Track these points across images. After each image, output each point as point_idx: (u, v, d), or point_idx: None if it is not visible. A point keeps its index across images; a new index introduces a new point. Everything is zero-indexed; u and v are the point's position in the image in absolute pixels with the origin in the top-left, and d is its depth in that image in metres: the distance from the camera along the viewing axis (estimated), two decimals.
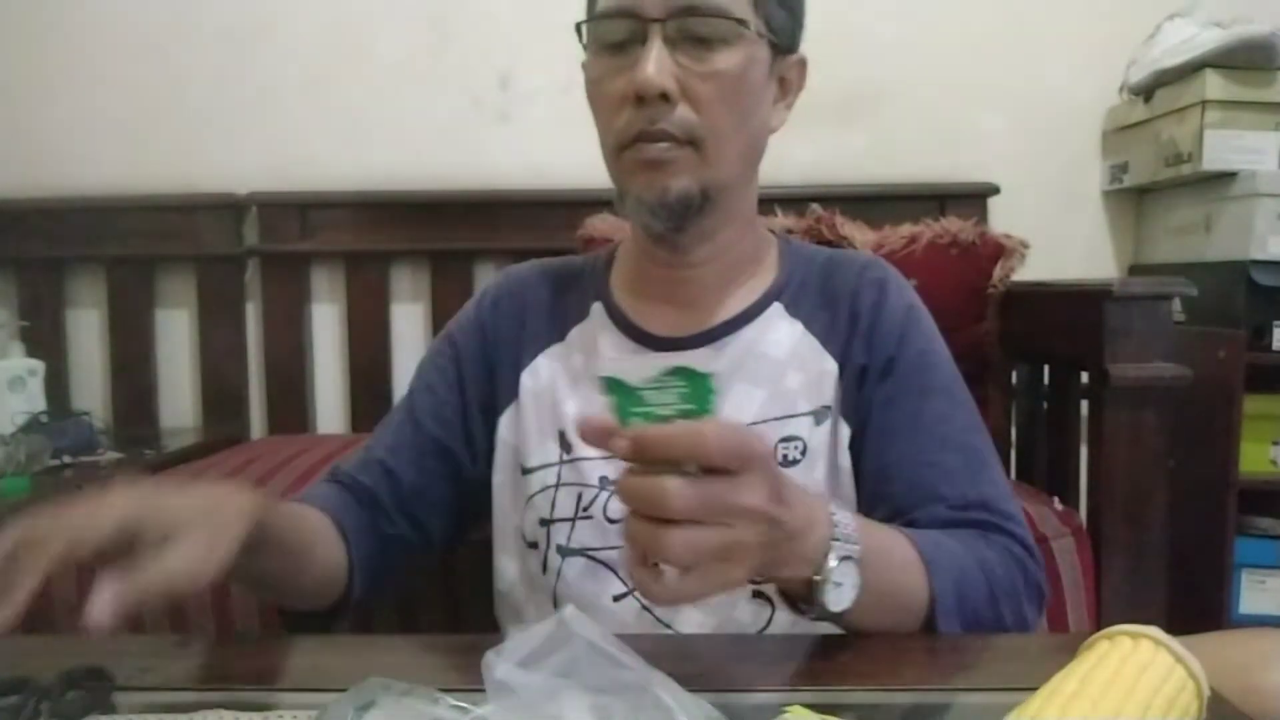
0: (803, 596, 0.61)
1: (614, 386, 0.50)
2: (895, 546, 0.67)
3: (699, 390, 0.50)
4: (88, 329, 1.99)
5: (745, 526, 0.52)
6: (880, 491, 0.77)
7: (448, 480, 0.86)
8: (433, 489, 0.86)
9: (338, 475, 0.86)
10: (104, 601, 0.51)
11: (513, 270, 0.93)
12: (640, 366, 0.51)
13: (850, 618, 0.61)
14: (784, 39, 0.79)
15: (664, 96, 0.72)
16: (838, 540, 0.59)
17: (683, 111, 0.73)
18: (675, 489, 0.49)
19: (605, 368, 0.80)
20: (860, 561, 0.60)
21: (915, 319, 0.83)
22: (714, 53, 0.73)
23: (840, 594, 0.59)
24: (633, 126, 0.74)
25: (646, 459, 0.50)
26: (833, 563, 0.59)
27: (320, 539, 0.76)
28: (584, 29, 0.77)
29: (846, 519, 0.61)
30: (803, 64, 0.83)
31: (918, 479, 0.75)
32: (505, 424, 0.86)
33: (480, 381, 0.87)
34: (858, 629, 0.64)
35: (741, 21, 0.74)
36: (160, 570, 0.53)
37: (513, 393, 0.86)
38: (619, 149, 0.76)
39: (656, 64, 0.71)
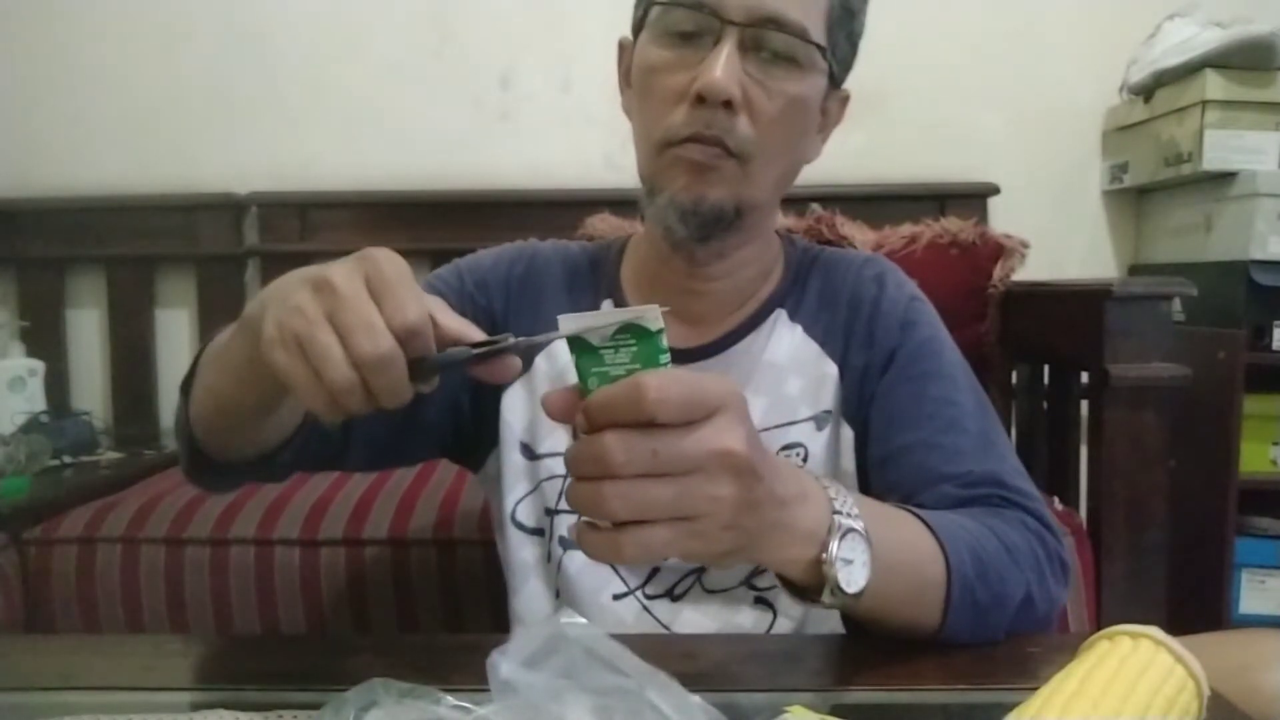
0: (810, 584, 0.55)
1: (577, 345, 0.47)
2: (901, 519, 0.63)
3: (648, 349, 0.47)
4: (88, 329, 1.99)
5: (710, 477, 0.46)
6: (887, 479, 0.75)
7: (404, 409, 0.81)
8: (386, 412, 0.81)
9: None
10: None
11: (535, 247, 0.89)
12: (601, 317, 0.47)
13: (867, 601, 0.55)
14: (840, 72, 0.78)
15: (728, 104, 0.69)
16: (838, 513, 0.54)
17: (742, 124, 0.71)
18: (612, 440, 0.45)
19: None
20: (867, 535, 0.55)
21: (916, 309, 0.81)
22: (784, 71, 0.71)
23: (852, 572, 0.54)
24: (688, 126, 0.71)
25: (597, 427, 0.46)
26: (837, 538, 0.53)
27: None
28: (650, 9, 0.74)
29: (842, 491, 0.56)
30: (845, 100, 0.82)
31: (924, 462, 0.73)
32: (512, 401, 0.82)
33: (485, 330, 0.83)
34: (877, 618, 0.60)
35: (820, 48, 0.72)
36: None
37: (524, 370, 0.83)
38: (665, 144, 0.72)
39: (726, 69, 0.69)
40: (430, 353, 0.48)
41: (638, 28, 0.77)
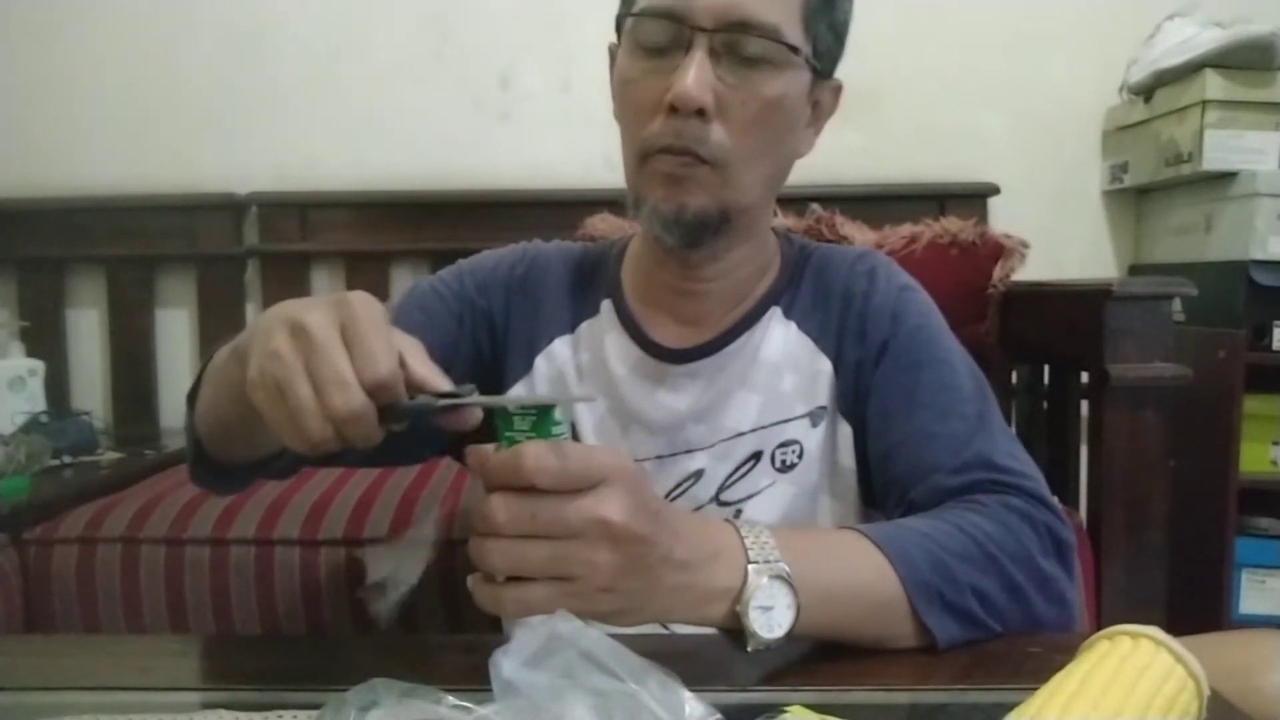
0: (738, 630, 0.57)
1: (497, 410, 0.52)
2: (840, 544, 0.63)
3: (543, 421, 0.50)
4: (88, 329, 1.99)
5: (587, 543, 0.50)
6: (887, 474, 0.74)
7: None
8: None
9: None
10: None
11: (537, 248, 0.89)
12: (529, 397, 0.52)
13: (810, 634, 0.58)
14: (826, 64, 0.77)
15: (701, 112, 0.69)
16: (754, 563, 0.56)
17: (716, 132, 0.70)
18: (497, 500, 0.50)
19: (617, 377, 0.80)
20: (791, 576, 0.57)
21: (908, 299, 0.81)
22: (758, 74, 0.70)
23: (771, 618, 0.56)
24: (661, 137, 0.70)
25: (493, 488, 0.51)
26: (753, 590, 0.56)
27: None
28: (625, 21, 0.74)
29: (762, 536, 0.58)
30: (838, 90, 0.81)
31: (918, 454, 0.72)
32: None
33: (483, 340, 0.84)
34: (849, 643, 0.61)
35: (793, 48, 0.71)
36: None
37: (524, 370, 0.83)
38: (642, 156, 0.72)
39: (697, 78, 0.68)
40: (401, 399, 0.51)
41: (619, 35, 0.77)
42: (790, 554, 0.58)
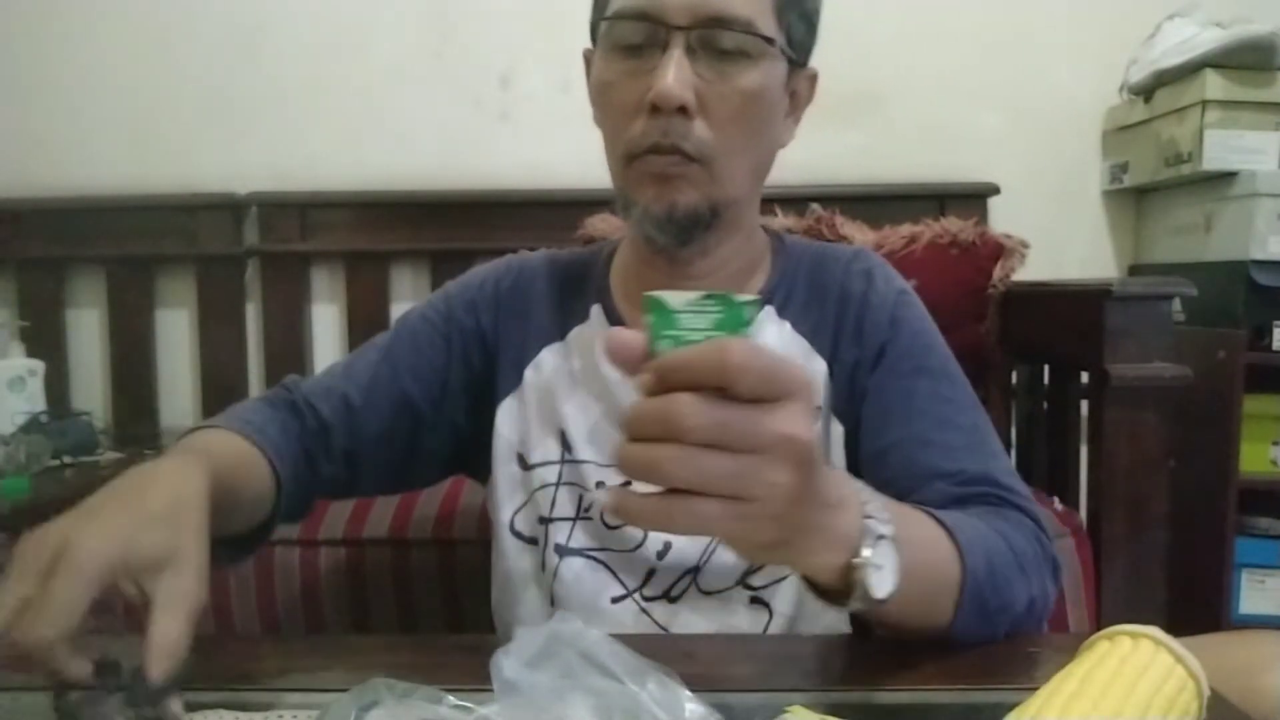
0: (835, 588, 0.54)
1: (652, 305, 0.45)
2: (921, 521, 0.62)
3: (733, 316, 0.44)
4: (88, 329, 1.99)
5: (772, 461, 0.44)
6: (879, 475, 0.74)
7: (404, 438, 0.83)
8: (387, 443, 0.83)
9: (294, 395, 0.81)
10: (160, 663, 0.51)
11: (524, 259, 0.90)
12: (684, 291, 0.45)
13: (888, 608, 0.55)
14: (800, 53, 0.78)
15: (682, 110, 0.70)
16: (871, 518, 0.53)
17: (699, 127, 0.71)
18: (688, 402, 0.42)
19: (612, 381, 0.79)
20: (896, 541, 0.54)
21: (905, 303, 0.81)
22: (735, 67, 0.71)
23: (882, 578, 0.53)
24: (646, 138, 0.71)
25: (667, 387, 0.43)
26: (870, 545, 0.52)
27: (252, 483, 0.72)
28: (600, 25, 0.75)
29: (875, 497, 0.55)
30: (814, 78, 0.81)
31: (917, 458, 0.73)
32: (505, 415, 0.84)
33: (475, 358, 0.85)
34: (893, 621, 0.59)
35: (768, 39, 0.72)
36: (169, 625, 0.53)
37: (514, 383, 0.84)
38: (628, 158, 0.73)
39: (677, 75, 0.69)
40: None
41: (594, 40, 0.78)
42: (894, 520, 0.55)
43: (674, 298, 0.45)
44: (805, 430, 0.45)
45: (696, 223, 0.74)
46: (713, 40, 0.70)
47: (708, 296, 0.45)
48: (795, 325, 0.81)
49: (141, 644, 0.51)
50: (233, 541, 0.72)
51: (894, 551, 0.54)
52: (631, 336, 0.45)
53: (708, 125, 0.71)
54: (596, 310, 0.84)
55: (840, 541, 0.52)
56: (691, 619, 0.77)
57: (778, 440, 0.44)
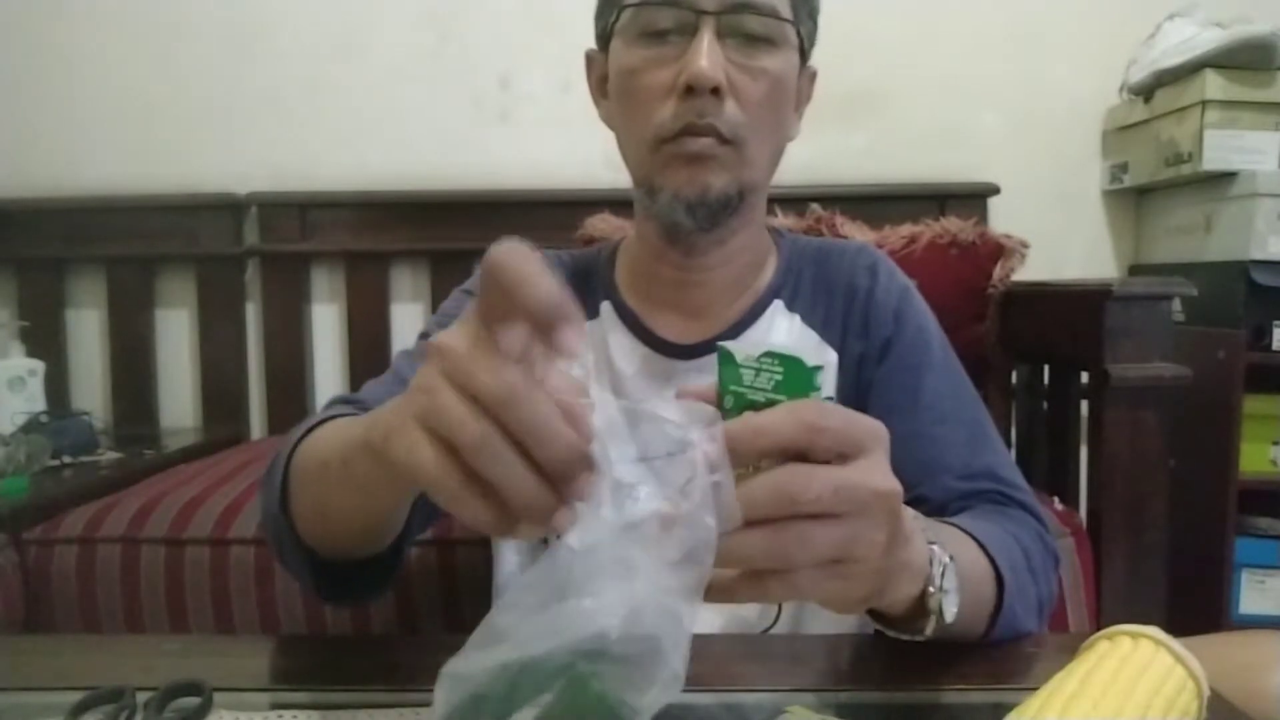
0: (906, 615, 0.54)
1: (723, 358, 0.45)
2: (962, 540, 0.62)
3: (797, 379, 0.43)
4: (88, 329, 1.99)
5: (876, 521, 0.43)
6: None
7: None
8: None
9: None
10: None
11: None
12: (757, 343, 0.44)
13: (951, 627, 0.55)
14: (808, 48, 0.79)
15: (715, 91, 0.70)
16: (933, 544, 0.52)
17: (731, 108, 0.72)
18: (804, 472, 0.41)
19: (624, 376, 0.79)
20: (956, 562, 0.54)
21: (908, 298, 0.82)
22: (762, 51, 0.73)
23: (950, 601, 0.53)
24: (679, 119, 0.71)
25: (743, 456, 0.41)
26: (939, 569, 0.52)
27: None
28: (618, 15, 0.75)
29: (920, 517, 0.54)
30: (814, 77, 0.83)
31: (920, 453, 0.74)
32: None
33: None
34: (945, 638, 0.57)
35: (791, 23, 0.74)
36: None
37: None
38: (658, 142, 0.73)
39: (711, 57, 0.70)
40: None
41: (605, 36, 0.78)
42: (939, 538, 0.55)
43: (740, 352, 0.44)
44: (894, 481, 0.44)
45: (725, 205, 0.74)
46: (740, 24, 0.72)
47: (769, 354, 0.44)
48: (805, 318, 0.82)
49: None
50: (373, 564, 0.66)
51: (955, 574, 0.54)
52: (703, 389, 0.45)
53: (738, 107, 0.72)
54: (606, 307, 0.84)
55: (917, 572, 0.51)
56: (700, 609, 0.77)
57: (875, 498, 0.43)
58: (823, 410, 0.42)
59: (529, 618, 0.38)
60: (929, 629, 0.53)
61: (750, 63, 0.72)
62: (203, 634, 1.21)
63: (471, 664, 0.38)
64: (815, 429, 0.42)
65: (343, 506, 0.58)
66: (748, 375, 0.44)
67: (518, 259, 0.38)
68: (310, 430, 0.64)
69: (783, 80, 0.74)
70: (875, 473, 0.43)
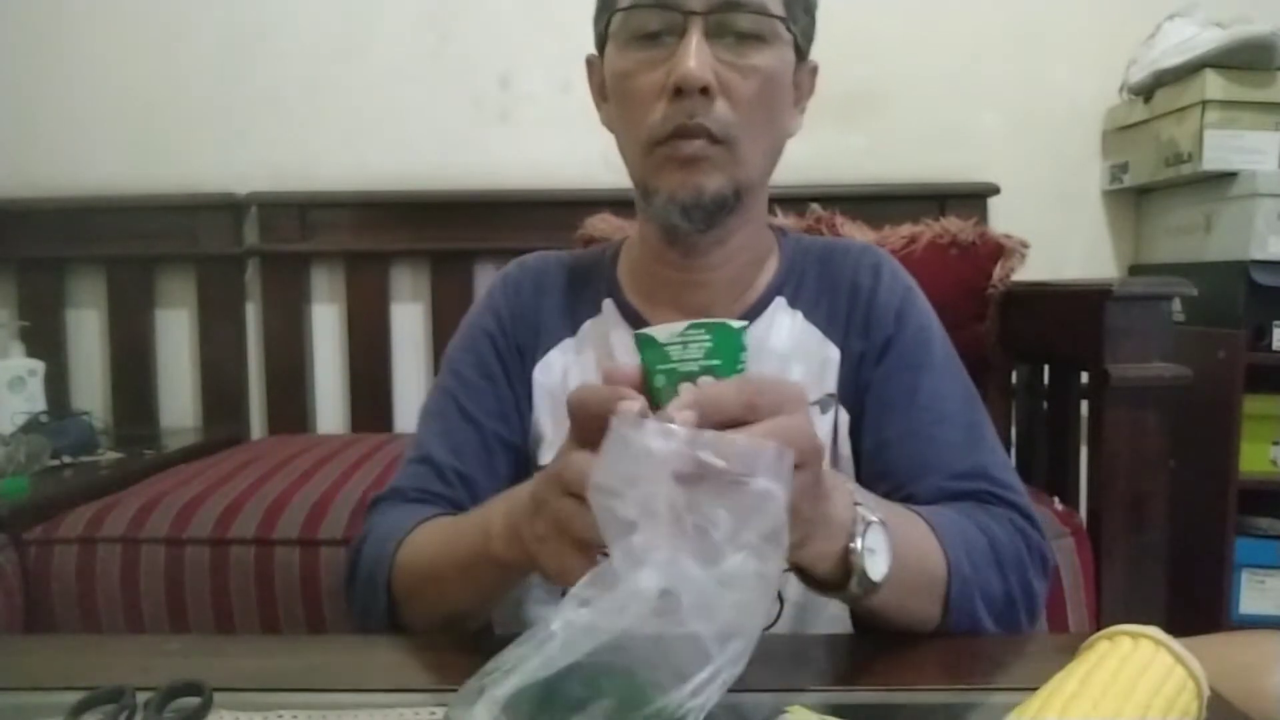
0: (832, 577, 0.56)
1: (644, 343, 0.48)
2: (905, 515, 0.65)
3: (726, 343, 0.47)
4: (88, 329, 1.99)
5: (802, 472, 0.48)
6: (878, 468, 0.76)
7: (511, 481, 0.81)
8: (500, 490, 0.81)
9: (420, 495, 0.80)
10: None
11: (528, 260, 0.90)
12: (670, 324, 0.49)
13: (884, 592, 0.57)
14: (804, 44, 0.79)
15: (704, 91, 0.70)
16: (860, 505, 0.56)
17: (721, 108, 0.71)
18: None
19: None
20: (886, 525, 0.57)
21: (911, 299, 0.83)
22: (752, 49, 0.72)
23: (876, 562, 0.56)
24: (670, 121, 0.72)
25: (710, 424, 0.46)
26: (861, 528, 0.55)
27: None
28: (610, 19, 0.75)
29: (858, 486, 0.59)
30: (814, 71, 0.82)
31: (915, 453, 0.74)
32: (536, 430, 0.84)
33: (517, 371, 0.85)
34: (889, 612, 0.61)
35: (782, 19, 0.73)
36: None
37: (525, 388, 0.84)
38: (651, 144, 0.73)
39: (698, 57, 0.70)
40: None
41: (602, 41, 0.79)
42: (879, 508, 0.58)
43: (661, 333, 0.48)
44: (816, 439, 0.50)
45: (722, 206, 0.74)
46: (729, 23, 0.72)
47: (693, 326, 0.48)
48: (808, 316, 0.82)
49: None
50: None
51: (885, 535, 0.56)
52: (627, 368, 0.50)
53: (729, 105, 0.72)
54: (609, 304, 0.84)
55: (838, 529, 0.55)
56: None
57: (815, 450, 0.49)
58: (759, 387, 0.48)
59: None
60: (853, 586, 0.56)
61: (741, 61, 0.72)
62: (203, 634, 1.21)
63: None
64: (752, 407, 0.47)
65: (459, 603, 0.71)
66: (675, 351, 0.48)
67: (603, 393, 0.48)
68: (402, 534, 0.74)
69: (775, 77, 0.74)
70: (808, 426, 0.49)
